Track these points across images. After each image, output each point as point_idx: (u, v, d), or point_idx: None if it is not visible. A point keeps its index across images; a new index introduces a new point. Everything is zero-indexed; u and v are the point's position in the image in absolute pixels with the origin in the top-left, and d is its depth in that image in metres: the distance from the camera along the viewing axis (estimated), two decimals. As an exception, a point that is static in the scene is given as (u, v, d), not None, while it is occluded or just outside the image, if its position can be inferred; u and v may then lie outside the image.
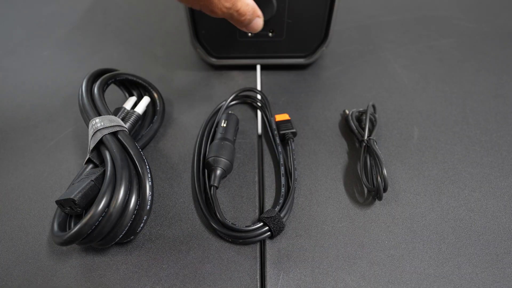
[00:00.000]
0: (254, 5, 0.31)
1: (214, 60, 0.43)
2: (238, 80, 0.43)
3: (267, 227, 0.28)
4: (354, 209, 0.30)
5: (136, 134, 0.35)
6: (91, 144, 0.29)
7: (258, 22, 0.32)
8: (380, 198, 0.30)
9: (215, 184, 0.30)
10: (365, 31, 0.51)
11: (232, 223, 0.28)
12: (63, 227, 0.27)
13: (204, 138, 0.35)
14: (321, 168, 0.34)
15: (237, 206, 0.31)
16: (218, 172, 0.30)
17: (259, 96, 0.40)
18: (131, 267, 0.27)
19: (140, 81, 0.38)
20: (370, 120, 0.36)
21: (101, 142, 0.29)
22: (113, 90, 0.38)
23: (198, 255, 0.28)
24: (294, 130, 0.35)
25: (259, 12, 0.32)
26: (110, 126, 0.29)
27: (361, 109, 0.37)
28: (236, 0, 0.29)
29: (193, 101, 0.41)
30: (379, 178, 0.29)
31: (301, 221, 0.30)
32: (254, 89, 0.40)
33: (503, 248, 0.28)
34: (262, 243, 0.29)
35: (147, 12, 0.56)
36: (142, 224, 0.26)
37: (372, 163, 0.31)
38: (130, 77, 0.37)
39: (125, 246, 0.28)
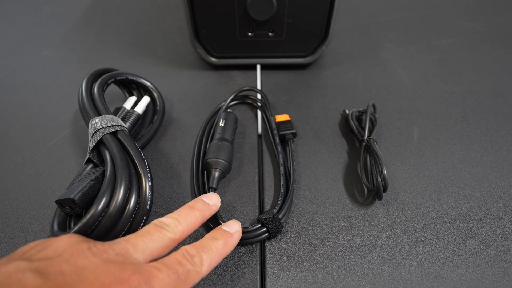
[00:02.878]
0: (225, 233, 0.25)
1: (214, 60, 0.43)
2: (238, 80, 0.43)
3: (265, 228, 0.28)
4: (354, 209, 0.30)
5: (136, 133, 0.35)
6: (91, 144, 0.29)
7: (236, 235, 0.25)
8: (380, 198, 0.30)
9: (214, 186, 0.30)
10: (365, 31, 0.51)
11: (231, 223, 0.28)
12: (63, 226, 0.27)
13: (204, 138, 0.35)
14: (321, 168, 0.34)
15: (237, 205, 0.31)
16: (217, 174, 0.30)
17: (259, 96, 0.40)
18: (131, 267, 0.27)
19: (140, 80, 0.38)
20: (370, 119, 0.36)
21: (101, 142, 0.29)
22: (113, 90, 0.38)
23: (198, 255, 0.28)
24: (294, 131, 0.35)
25: (232, 226, 0.26)
26: (110, 126, 0.29)
27: (361, 109, 0.37)
28: (203, 251, 0.22)
29: (193, 101, 0.40)
30: (379, 178, 0.29)
31: (301, 221, 0.30)
32: (254, 89, 0.40)
33: (503, 248, 0.28)
34: (262, 243, 0.29)
35: (147, 12, 0.56)
36: (142, 224, 0.26)
37: (372, 163, 0.31)
38: (130, 77, 0.37)
39: (125, 246, 0.28)
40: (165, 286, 0.19)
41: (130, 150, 0.28)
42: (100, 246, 0.20)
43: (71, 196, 0.25)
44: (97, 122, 0.29)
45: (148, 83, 0.38)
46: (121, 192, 0.25)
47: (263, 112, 0.38)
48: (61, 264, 0.18)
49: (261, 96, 0.39)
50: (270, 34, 0.40)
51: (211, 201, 0.27)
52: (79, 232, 0.24)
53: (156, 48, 0.48)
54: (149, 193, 0.27)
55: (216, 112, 0.38)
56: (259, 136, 0.37)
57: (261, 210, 0.31)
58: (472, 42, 0.49)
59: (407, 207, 0.31)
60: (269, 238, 0.28)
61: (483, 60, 0.46)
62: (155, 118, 0.36)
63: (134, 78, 0.37)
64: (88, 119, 0.31)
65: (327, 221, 0.30)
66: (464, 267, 0.27)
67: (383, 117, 0.38)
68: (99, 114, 0.31)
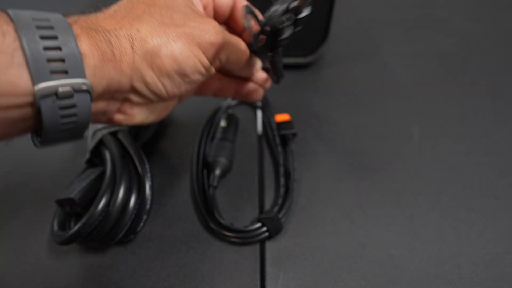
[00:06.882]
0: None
1: (214, 60, 0.43)
2: (238, 79, 0.43)
3: (265, 228, 0.28)
4: (354, 208, 0.30)
5: (136, 133, 0.35)
6: (91, 144, 0.29)
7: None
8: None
9: (214, 184, 0.30)
10: (366, 31, 0.51)
11: (230, 224, 0.28)
12: (63, 226, 0.27)
13: (204, 138, 0.35)
14: (321, 168, 0.34)
15: (237, 205, 0.31)
16: (217, 172, 0.30)
17: (259, 96, 0.40)
18: (131, 267, 0.27)
19: (140, 80, 0.38)
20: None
21: (101, 142, 0.29)
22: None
23: (198, 255, 0.28)
24: (294, 131, 0.35)
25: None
26: (110, 126, 0.29)
27: None
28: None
29: (193, 101, 0.40)
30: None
31: (301, 221, 0.30)
32: (254, 89, 0.40)
33: (503, 248, 0.28)
34: (262, 242, 0.29)
35: (147, 12, 0.56)
36: (142, 224, 0.26)
37: None
38: (130, 77, 0.37)
39: (125, 245, 0.28)
40: None
41: (130, 150, 0.28)
42: None
43: (71, 196, 0.25)
44: (97, 122, 0.29)
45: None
46: (121, 192, 0.25)
47: (263, 112, 0.38)
48: None
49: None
50: (270, 34, 0.40)
51: None
52: (78, 232, 0.24)
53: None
54: (149, 193, 0.27)
55: (216, 112, 0.38)
56: (259, 136, 0.37)
57: (261, 210, 0.31)
58: (472, 42, 0.49)
59: (407, 207, 0.31)
60: (269, 237, 0.28)
61: (483, 60, 0.46)
62: (155, 118, 0.36)
63: (134, 78, 0.37)
64: (88, 119, 0.31)
65: (327, 221, 0.30)
66: (464, 267, 0.27)
67: (383, 117, 0.38)
68: (99, 114, 0.31)
